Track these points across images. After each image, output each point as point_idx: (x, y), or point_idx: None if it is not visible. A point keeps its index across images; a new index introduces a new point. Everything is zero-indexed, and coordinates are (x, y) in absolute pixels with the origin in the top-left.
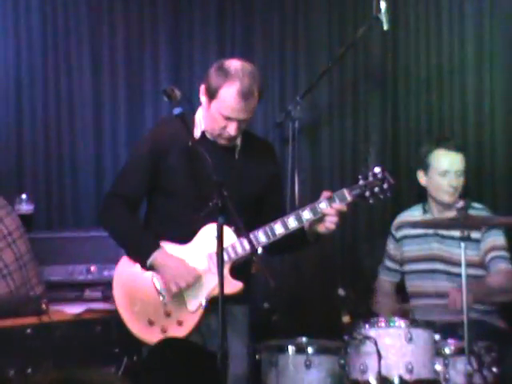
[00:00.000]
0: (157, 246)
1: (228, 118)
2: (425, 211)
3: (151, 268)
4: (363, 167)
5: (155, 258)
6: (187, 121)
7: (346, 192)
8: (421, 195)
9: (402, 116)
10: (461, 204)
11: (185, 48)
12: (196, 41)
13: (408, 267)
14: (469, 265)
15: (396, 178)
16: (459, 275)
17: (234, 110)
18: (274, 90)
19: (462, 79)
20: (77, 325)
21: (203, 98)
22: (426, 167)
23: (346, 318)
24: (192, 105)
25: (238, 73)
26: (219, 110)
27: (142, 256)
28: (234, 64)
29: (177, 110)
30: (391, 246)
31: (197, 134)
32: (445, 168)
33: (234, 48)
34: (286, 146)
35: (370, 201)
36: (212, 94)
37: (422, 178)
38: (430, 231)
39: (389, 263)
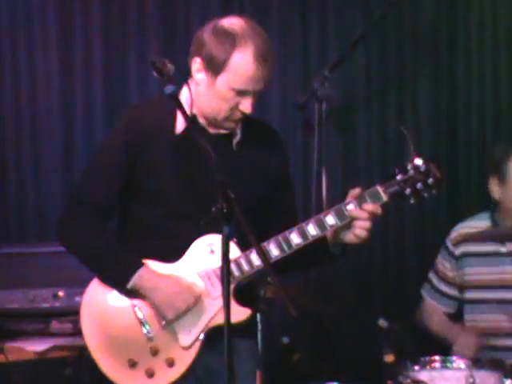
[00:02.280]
0: (139, 264)
1: (242, 93)
2: (494, 223)
3: (134, 292)
4: (408, 154)
5: (139, 278)
6: (181, 102)
7: (379, 189)
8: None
9: (462, 94)
10: None
11: (180, 11)
12: (194, 1)
13: (469, 295)
14: None
15: (453, 175)
16: None
17: (251, 79)
18: (294, 62)
19: None
20: (41, 366)
21: (200, 75)
22: (501, 175)
23: (389, 357)
24: (188, 83)
25: (247, 32)
26: (231, 85)
27: (119, 277)
28: (236, 23)
29: (169, 88)
30: (447, 265)
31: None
32: None
33: (243, 9)
34: (311, 133)
35: (412, 200)
36: (218, 68)
37: (494, 187)
38: (503, 249)
39: (443, 287)
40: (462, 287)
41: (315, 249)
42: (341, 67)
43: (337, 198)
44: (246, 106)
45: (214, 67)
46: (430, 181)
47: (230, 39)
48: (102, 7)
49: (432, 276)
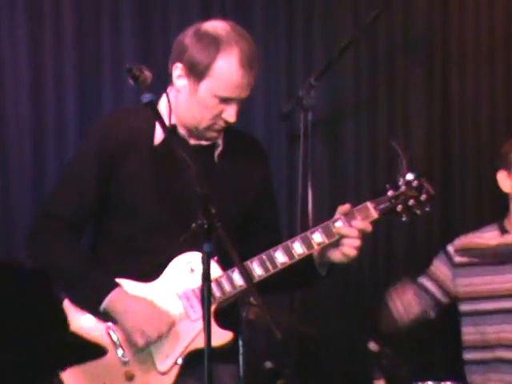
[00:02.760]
0: (113, 285)
1: (226, 100)
2: (503, 231)
3: (106, 315)
4: (399, 170)
5: (112, 300)
6: (159, 112)
7: (370, 206)
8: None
9: (455, 103)
10: None
11: (157, 11)
12: (172, 1)
13: (471, 307)
14: None
15: (448, 189)
16: None
17: (236, 86)
18: (278, 69)
19: None
20: None
21: (182, 82)
22: (509, 167)
23: (379, 382)
24: (166, 90)
25: (232, 37)
26: (214, 92)
27: (92, 299)
28: (220, 27)
29: (146, 97)
30: (443, 269)
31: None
32: None
33: (225, 10)
34: (296, 144)
35: (404, 217)
36: (201, 73)
37: (504, 181)
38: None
39: (427, 283)
40: (460, 298)
41: (301, 268)
42: (328, 75)
43: (323, 213)
44: (230, 114)
45: (197, 73)
46: (423, 197)
47: (214, 43)
48: (75, 8)
49: (422, 278)
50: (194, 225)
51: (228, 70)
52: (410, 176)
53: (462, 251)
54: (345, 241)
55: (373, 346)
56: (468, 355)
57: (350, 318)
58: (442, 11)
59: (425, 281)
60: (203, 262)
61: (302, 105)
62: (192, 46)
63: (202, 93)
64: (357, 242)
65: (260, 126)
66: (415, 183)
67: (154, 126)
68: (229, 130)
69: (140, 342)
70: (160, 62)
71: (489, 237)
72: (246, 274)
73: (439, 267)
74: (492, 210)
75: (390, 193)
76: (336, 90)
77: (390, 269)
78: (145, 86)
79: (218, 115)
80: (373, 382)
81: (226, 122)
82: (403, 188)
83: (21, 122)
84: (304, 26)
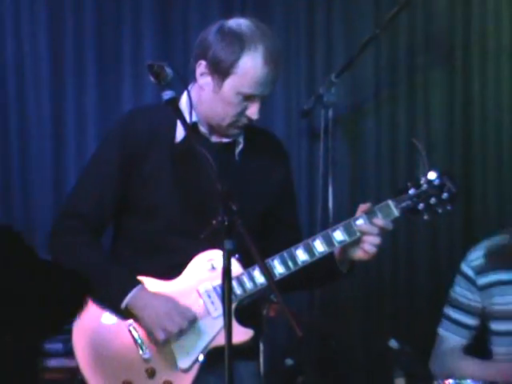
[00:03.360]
0: (135, 283)
1: (249, 98)
2: None
3: (128, 312)
4: (421, 168)
5: (134, 297)
6: (180, 109)
7: (391, 204)
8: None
9: (477, 101)
10: None
11: (176, 9)
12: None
13: (502, 326)
14: None
15: (469, 186)
16: None
17: (260, 83)
18: (299, 66)
19: None
20: None
21: (205, 79)
22: None
23: (399, 381)
24: (187, 87)
25: (255, 34)
26: (238, 89)
27: (114, 296)
28: (244, 24)
29: (168, 94)
30: (465, 294)
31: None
32: None
33: (246, 8)
34: (316, 141)
35: (425, 216)
36: (225, 71)
37: None
38: None
39: (457, 315)
40: (488, 317)
41: (321, 266)
42: (348, 72)
43: (344, 210)
44: (253, 111)
45: (221, 70)
46: (445, 196)
47: (239, 41)
48: (95, 7)
49: (450, 311)
50: (214, 222)
51: (253, 67)
52: (431, 174)
53: (483, 270)
54: (366, 238)
55: (393, 343)
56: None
57: (371, 316)
58: (463, 8)
59: (454, 313)
60: (224, 259)
61: (322, 102)
62: (216, 44)
63: (226, 90)
64: (377, 240)
65: (281, 124)
66: (437, 181)
67: (175, 124)
68: (250, 128)
69: (161, 336)
70: (180, 60)
71: (503, 244)
72: (267, 272)
73: (463, 294)
74: None
75: (411, 191)
76: (356, 87)
77: (410, 267)
78: (166, 83)
79: (242, 112)
80: (393, 379)
81: (249, 119)
82: (425, 186)
83: (41, 121)
84: (324, 24)
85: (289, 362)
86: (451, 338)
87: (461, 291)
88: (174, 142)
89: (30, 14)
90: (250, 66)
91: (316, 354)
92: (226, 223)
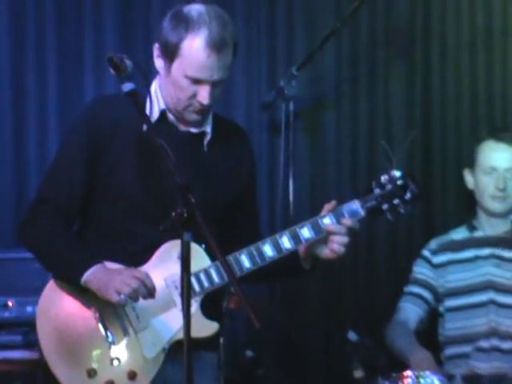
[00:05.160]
0: (96, 262)
1: (197, 81)
2: (472, 229)
3: (86, 286)
4: (387, 168)
5: (92, 273)
6: (140, 101)
7: (358, 204)
8: (467, 208)
9: (436, 95)
10: None
11: (139, 1)
12: None
13: (450, 303)
14: None
15: (428, 182)
16: None
17: (204, 67)
18: (260, 59)
19: None
20: None
21: (159, 62)
22: (471, 164)
23: (358, 373)
24: (148, 80)
25: (202, 18)
26: (185, 71)
27: (74, 273)
28: (195, 9)
29: (127, 86)
30: (424, 271)
31: (154, 114)
32: (491, 164)
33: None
34: (277, 134)
35: (389, 216)
36: (172, 53)
37: (468, 178)
38: (485, 252)
39: (415, 289)
40: (442, 296)
41: (285, 262)
42: (309, 65)
43: (305, 203)
44: (203, 95)
45: (169, 53)
46: (408, 196)
47: (184, 24)
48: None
49: (410, 287)
50: (173, 214)
51: (195, 50)
52: (396, 173)
53: (438, 251)
54: (334, 238)
55: (352, 336)
56: (448, 351)
57: (330, 308)
58: (423, 3)
59: (413, 288)
60: (182, 251)
61: (283, 95)
62: (166, 27)
63: (174, 73)
64: (345, 239)
65: (242, 117)
66: (401, 182)
67: (150, 111)
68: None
69: (115, 298)
70: (141, 52)
71: (459, 237)
72: (225, 263)
73: (422, 272)
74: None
75: (376, 191)
76: (317, 80)
77: (370, 260)
78: (125, 75)
79: (193, 96)
80: (352, 371)
81: (201, 104)
82: (389, 187)
83: (1, 110)
84: (286, 17)
85: (249, 353)
86: (409, 308)
87: (419, 269)
88: (142, 130)
89: None
90: (192, 48)
91: (276, 346)
92: (185, 215)
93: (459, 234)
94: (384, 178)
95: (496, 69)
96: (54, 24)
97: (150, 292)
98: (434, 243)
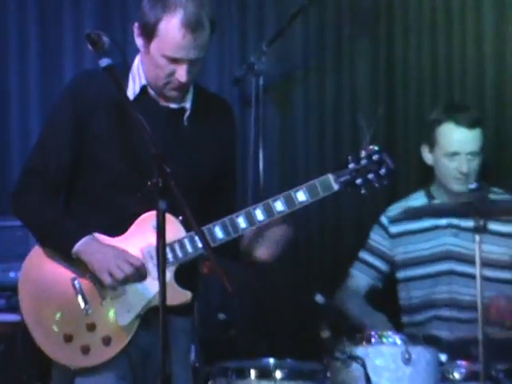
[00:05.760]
0: (86, 232)
1: (175, 60)
2: (430, 198)
3: (77, 260)
4: (363, 145)
5: (84, 243)
6: (117, 75)
7: (331, 179)
8: (427, 176)
9: (399, 70)
10: (475, 185)
11: None
12: None
13: (409, 273)
14: (499, 266)
15: (392, 154)
16: (489, 279)
17: (180, 46)
18: (232, 35)
19: (477, 20)
20: None
21: (139, 41)
22: (431, 143)
23: (325, 333)
24: (125, 56)
25: None
26: (162, 51)
27: (65, 242)
28: None
29: (104, 62)
30: (379, 240)
31: (135, 89)
32: (454, 149)
33: None
34: (248, 108)
35: (362, 190)
36: (150, 33)
37: (426, 154)
38: (443, 222)
39: (368, 257)
40: (398, 265)
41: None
42: (278, 42)
43: (274, 175)
44: (181, 74)
45: (147, 32)
46: (383, 171)
47: (161, 4)
48: None
49: (363, 253)
50: (149, 183)
51: (172, 30)
52: (372, 150)
53: (395, 220)
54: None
55: (319, 298)
56: (409, 318)
57: (299, 274)
58: None
59: (367, 256)
60: (157, 219)
61: (253, 70)
62: (145, 6)
63: (152, 52)
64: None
65: (213, 90)
66: (376, 157)
67: (126, 86)
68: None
69: (107, 281)
70: (118, 29)
71: (418, 203)
72: (198, 230)
73: (377, 240)
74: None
75: (351, 165)
76: (286, 56)
77: (336, 227)
78: (103, 51)
79: (171, 74)
80: (319, 332)
81: (179, 82)
82: (364, 161)
83: None
84: None
85: (221, 316)
86: (359, 277)
87: (375, 238)
88: (123, 102)
89: None
90: (168, 29)
91: (247, 309)
92: (160, 185)
93: (418, 200)
94: (360, 153)
95: (455, 44)
96: (35, 6)
97: (142, 280)
98: (392, 210)
